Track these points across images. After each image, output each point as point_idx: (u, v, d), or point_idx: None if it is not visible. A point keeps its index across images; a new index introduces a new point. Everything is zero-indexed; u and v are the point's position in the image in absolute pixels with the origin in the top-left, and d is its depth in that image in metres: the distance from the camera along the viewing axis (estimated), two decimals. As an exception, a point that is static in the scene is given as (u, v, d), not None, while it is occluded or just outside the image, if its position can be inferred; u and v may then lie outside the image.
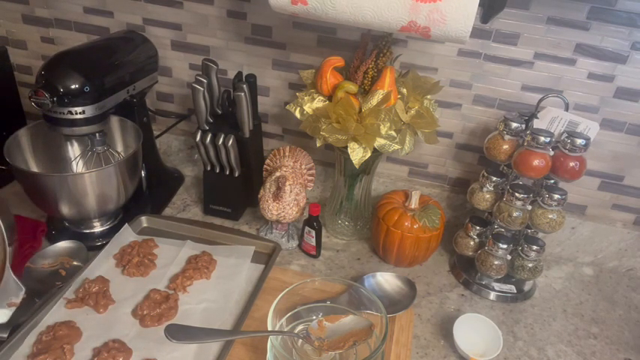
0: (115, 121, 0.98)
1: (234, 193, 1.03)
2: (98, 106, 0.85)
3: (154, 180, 1.06)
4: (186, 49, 1.07)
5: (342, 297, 0.75)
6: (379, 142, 0.84)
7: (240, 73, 0.97)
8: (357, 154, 0.84)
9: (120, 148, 1.01)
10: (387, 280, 0.88)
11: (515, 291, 0.92)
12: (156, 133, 1.10)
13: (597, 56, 0.88)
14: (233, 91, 0.93)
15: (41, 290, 0.80)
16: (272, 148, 1.07)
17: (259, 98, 1.04)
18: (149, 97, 1.11)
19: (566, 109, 0.87)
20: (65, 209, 0.87)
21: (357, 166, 0.85)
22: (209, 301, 0.80)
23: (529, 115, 0.88)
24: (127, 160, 0.89)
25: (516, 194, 0.85)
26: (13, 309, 0.74)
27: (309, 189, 1.01)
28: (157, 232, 0.95)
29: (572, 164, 0.82)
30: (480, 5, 0.68)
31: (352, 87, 0.85)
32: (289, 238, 0.99)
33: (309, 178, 1.00)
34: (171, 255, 0.89)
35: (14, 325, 0.72)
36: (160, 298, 0.78)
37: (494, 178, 0.89)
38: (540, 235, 0.91)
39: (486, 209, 0.92)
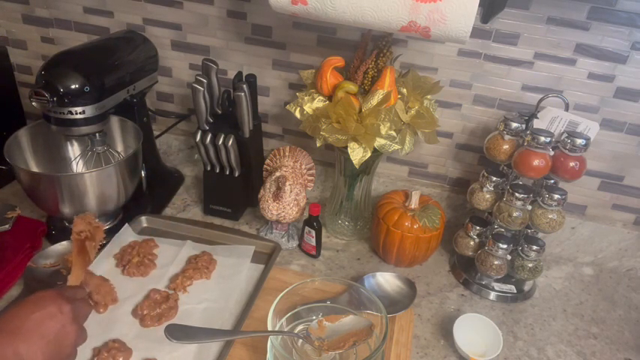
0: (115, 121, 0.98)
1: (234, 193, 1.02)
2: (98, 106, 0.85)
3: (154, 180, 1.06)
4: (186, 49, 1.07)
5: (342, 297, 0.75)
6: (379, 142, 0.84)
7: (240, 73, 0.97)
8: (357, 154, 0.84)
9: (120, 148, 1.00)
10: (387, 280, 0.88)
11: (515, 291, 0.92)
12: (156, 133, 1.10)
13: (597, 56, 0.88)
14: (233, 91, 0.93)
15: (42, 290, 0.80)
16: (272, 148, 1.07)
17: (259, 98, 1.04)
18: (149, 97, 1.11)
19: (566, 109, 0.87)
20: (65, 209, 0.87)
21: (357, 166, 0.85)
22: (209, 301, 0.80)
23: (529, 115, 0.88)
24: (127, 160, 0.89)
25: (516, 194, 0.85)
26: None
27: (309, 189, 1.01)
28: (157, 232, 0.95)
29: (572, 164, 0.82)
30: (480, 5, 0.68)
31: (352, 87, 0.85)
32: (289, 238, 0.98)
33: (309, 178, 1.00)
34: (171, 255, 0.89)
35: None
36: (160, 298, 0.78)
37: (494, 178, 0.89)
38: (540, 235, 0.91)
39: (486, 209, 0.92)
